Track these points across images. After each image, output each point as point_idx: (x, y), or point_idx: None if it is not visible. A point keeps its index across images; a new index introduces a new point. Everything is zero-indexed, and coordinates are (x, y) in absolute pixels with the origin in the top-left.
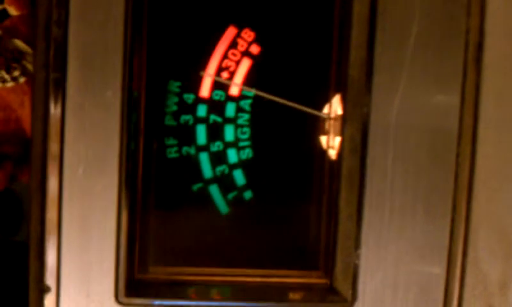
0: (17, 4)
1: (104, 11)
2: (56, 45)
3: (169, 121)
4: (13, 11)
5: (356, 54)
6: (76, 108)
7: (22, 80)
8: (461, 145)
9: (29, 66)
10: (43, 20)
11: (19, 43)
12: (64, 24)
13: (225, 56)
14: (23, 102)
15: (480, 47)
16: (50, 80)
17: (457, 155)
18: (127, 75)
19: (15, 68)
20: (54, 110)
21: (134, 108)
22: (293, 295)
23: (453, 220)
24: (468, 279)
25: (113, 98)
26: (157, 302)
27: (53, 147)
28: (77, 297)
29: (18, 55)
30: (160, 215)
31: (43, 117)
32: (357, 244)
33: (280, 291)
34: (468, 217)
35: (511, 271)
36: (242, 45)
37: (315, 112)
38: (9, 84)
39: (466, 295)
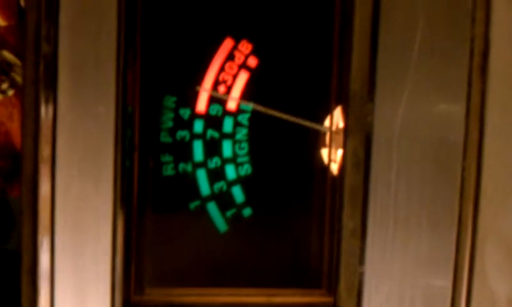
0: (5, 14)
1: (95, 23)
2: (46, 61)
3: (164, 137)
4: (0, 21)
5: (358, 64)
6: (68, 125)
7: (10, 92)
8: (466, 159)
9: (18, 78)
10: (32, 35)
11: (7, 55)
12: (54, 39)
13: (222, 69)
14: (12, 115)
15: (485, 54)
16: (40, 96)
17: (463, 169)
18: (121, 90)
19: (3, 81)
20: (45, 127)
21: (128, 124)
22: None
23: (459, 235)
24: (476, 295)
25: (106, 113)
26: None
27: (44, 164)
28: None
29: (7, 68)
30: (156, 234)
31: (34, 135)
32: (361, 260)
33: None
34: (474, 231)
35: None
36: (239, 58)
37: (316, 126)
38: None
39: None
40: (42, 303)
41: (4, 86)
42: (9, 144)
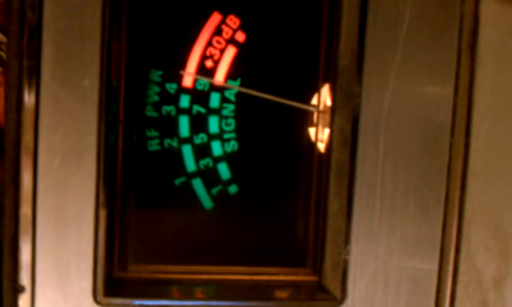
0: None
1: None
2: (30, 31)
3: (150, 112)
4: None
5: (346, 42)
6: (51, 98)
7: None
8: (454, 136)
9: (4, 56)
10: (17, 4)
11: None
12: (38, 8)
13: (209, 44)
14: None
15: (474, 33)
16: (24, 68)
17: (451, 147)
18: (105, 63)
19: None
20: (28, 99)
21: (113, 98)
22: (280, 293)
23: (445, 215)
24: (462, 275)
25: (90, 87)
26: (137, 302)
27: (27, 138)
28: (54, 297)
29: None
30: (140, 210)
31: (17, 106)
32: (347, 240)
33: (266, 290)
34: (461, 211)
35: (506, 267)
36: (226, 32)
37: (303, 106)
38: None
39: (459, 291)
40: (24, 279)
41: None
42: None
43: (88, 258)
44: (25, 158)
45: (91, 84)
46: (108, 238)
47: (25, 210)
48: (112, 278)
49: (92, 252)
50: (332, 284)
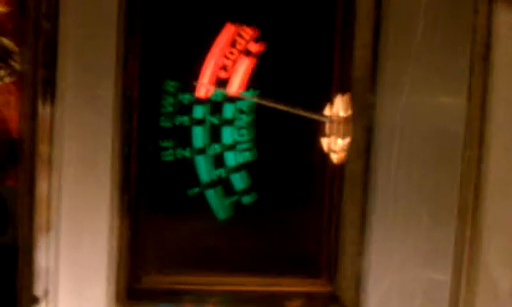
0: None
1: (96, 5)
2: (46, 40)
3: (164, 122)
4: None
5: (360, 53)
6: (66, 108)
7: (7, 80)
8: (467, 147)
9: (17, 66)
10: (32, 13)
11: (6, 42)
12: (54, 17)
13: (223, 55)
14: (8, 102)
15: (487, 44)
16: (38, 78)
17: (464, 158)
18: (120, 73)
19: (0, 68)
20: (43, 109)
21: (128, 108)
22: (294, 304)
23: (459, 226)
24: (477, 287)
25: (105, 97)
26: None
27: (42, 148)
28: None
29: (5, 55)
30: (154, 221)
31: (32, 116)
32: (361, 250)
33: (281, 300)
34: (475, 222)
35: None
36: (240, 44)
37: (317, 117)
38: None
39: (475, 302)
40: (39, 290)
41: (2, 72)
42: (5, 131)
43: (102, 268)
44: (41, 168)
45: (106, 94)
46: (122, 248)
47: (40, 222)
48: (127, 288)
49: (107, 262)
50: (346, 295)
